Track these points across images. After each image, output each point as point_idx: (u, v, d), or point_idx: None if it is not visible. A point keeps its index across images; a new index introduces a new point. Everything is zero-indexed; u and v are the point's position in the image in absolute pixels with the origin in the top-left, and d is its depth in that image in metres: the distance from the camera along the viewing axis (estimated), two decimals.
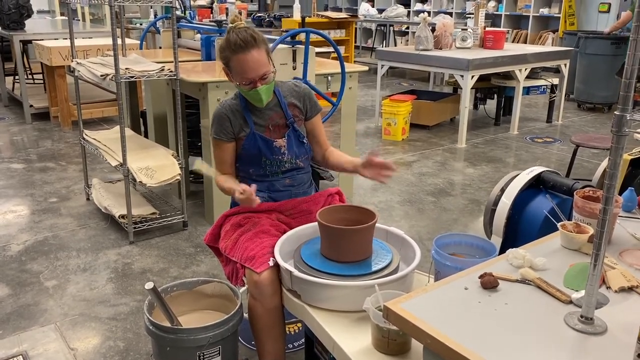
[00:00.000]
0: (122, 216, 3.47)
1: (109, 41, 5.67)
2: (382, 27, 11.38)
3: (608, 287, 1.44)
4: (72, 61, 3.74)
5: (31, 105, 6.30)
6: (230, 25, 2.04)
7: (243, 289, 2.22)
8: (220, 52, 2.07)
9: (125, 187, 3.37)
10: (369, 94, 8.09)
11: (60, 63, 5.67)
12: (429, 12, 10.58)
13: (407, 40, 11.26)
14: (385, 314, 1.38)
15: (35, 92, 6.89)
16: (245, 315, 2.05)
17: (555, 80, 6.46)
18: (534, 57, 6.03)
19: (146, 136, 4.46)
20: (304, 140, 2.18)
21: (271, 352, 1.96)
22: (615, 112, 1.19)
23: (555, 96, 6.57)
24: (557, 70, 6.55)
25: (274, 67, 2.08)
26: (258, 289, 1.86)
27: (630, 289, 1.43)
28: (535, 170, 2.39)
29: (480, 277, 1.46)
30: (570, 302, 1.38)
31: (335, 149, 2.27)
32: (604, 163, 2.62)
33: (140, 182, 3.28)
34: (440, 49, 6.07)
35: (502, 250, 1.92)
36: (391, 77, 9.54)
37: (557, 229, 1.72)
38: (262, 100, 2.06)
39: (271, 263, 1.87)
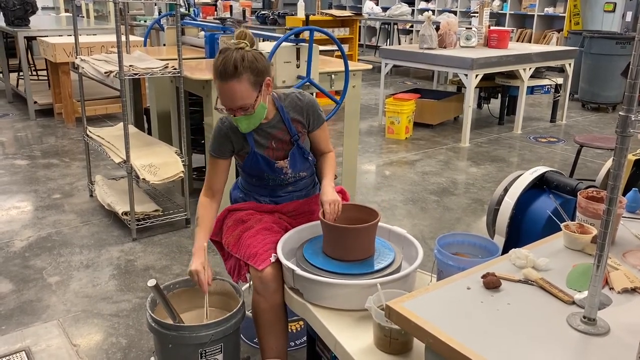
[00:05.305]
0: (125, 213, 3.47)
1: (113, 38, 5.68)
2: (386, 26, 11.36)
3: (611, 288, 1.44)
4: (76, 58, 3.74)
5: (35, 102, 6.31)
6: (230, 43, 1.86)
7: (245, 286, 2.22)
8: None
9: (128, 184, 3.38)
10: (372, 93, 8.08)
11: (65, 60, 5.67)
12: (433, 11, 10.55)
13: (411, 39, 11.24)
14: (388, 313, 1.38)
15: (39, 88, 6.91)
16: (248, 312, 2.05)
17: (560, 80, 6.45)
18: (538, 56, 6.01)
19: (149, 133, 4.46)
20: (309, 157, 2.12)
21: (273, 348, 1.98)
22: (619, 113, 1.18)
23: (559, 96, 6.55)
24: (561, 70, 6.53)
25: (261, 98, 1.89)
26: (263, 284, 1.88)
27: (634, 290, 1.43)
28: (539, 170, 2.38)
29: (483, 277, 1.46)
30: (573, 302, 1.37)
31: (330, 155, 2.15)
32: (608, 163, 2.61)
33: (143, 179, 3.28)
34: (445, 47, 6.06)
35: (505, 250, 1.91)
36: (395, 76, 9.52)
37: (560, 229, 1.71)
38: (242, 129, 1.95)
39: (272, 259, 1.88)
